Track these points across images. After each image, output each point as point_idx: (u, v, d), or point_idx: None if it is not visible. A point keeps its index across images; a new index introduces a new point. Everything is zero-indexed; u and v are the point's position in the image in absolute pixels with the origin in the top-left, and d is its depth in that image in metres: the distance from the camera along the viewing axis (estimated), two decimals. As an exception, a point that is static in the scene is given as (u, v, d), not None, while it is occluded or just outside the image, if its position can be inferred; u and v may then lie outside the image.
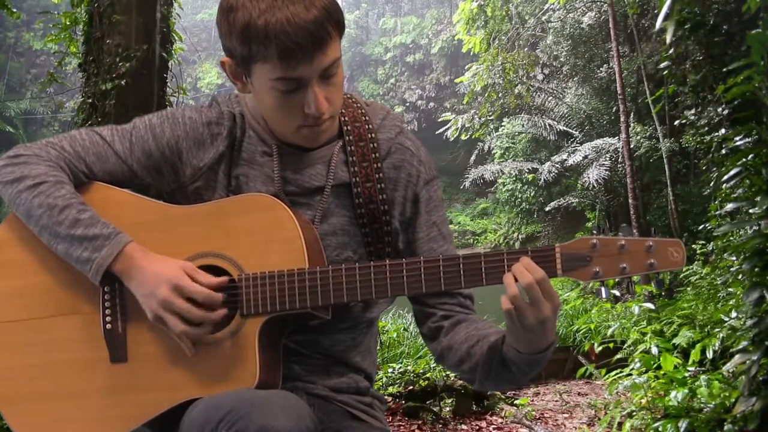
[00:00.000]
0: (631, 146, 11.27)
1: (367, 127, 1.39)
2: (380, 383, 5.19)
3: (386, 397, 4.90)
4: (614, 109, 14.58)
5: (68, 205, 1.28)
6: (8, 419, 1.32)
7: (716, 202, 5.91)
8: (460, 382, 4.97)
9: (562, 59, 16.95)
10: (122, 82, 4.12)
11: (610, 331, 5.71)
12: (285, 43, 1.17)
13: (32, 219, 1.30)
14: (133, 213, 1.33)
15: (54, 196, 1.29)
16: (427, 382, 5.11)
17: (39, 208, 1.29)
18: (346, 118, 1.39)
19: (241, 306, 1.25)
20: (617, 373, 4.51)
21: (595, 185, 14.64)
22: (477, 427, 4.88)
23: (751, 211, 3.37)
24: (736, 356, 3.21)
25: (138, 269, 1.25)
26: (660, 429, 3.64)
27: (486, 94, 13.10)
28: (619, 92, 10.86)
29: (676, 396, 3.79)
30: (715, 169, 5.94)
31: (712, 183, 5.71)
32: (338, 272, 1.24)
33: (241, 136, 1.37)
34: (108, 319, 1.30)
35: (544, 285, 1.17)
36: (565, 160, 16.01)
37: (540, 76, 19.06)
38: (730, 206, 3.74)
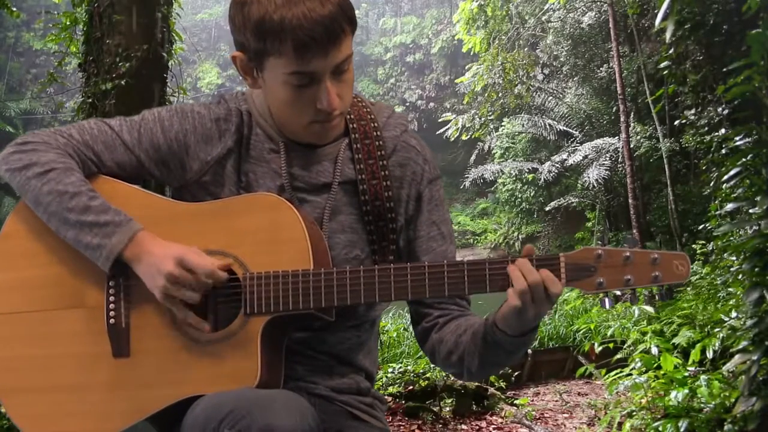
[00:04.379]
0: (631, 146, 11.28)
1: (372, 125, 1.40)
2: (380, 383, 5.19)
3: (386, 397, 4.90)
4: (614, 109, 14.58)
5: (78, 191, 1.28)
6: (9, 410, 1.33)
7: (716, 202, 5.91)
8: (461, 382, 4.97)
9: (562, 59, 16.95)
10: (122, 82, 4.12)
11: (610, 331, 5.72)
12: (301, 37, 1.19)
13: (41, 206, 1.30)
14: (139, 208, 1.33)
15: (64, 182, 1.29)
16: (427, 382, 5.11)
17: (48, 194, 1.29)
18: (352, 116, 1.40)
19: (244, 305, 1.26)
20: (617, 373, 4.51)
21: (595, 185, 14.64)
22: (477, 427, 4.88)
23: (751, 211, 3.37)
24: (736, 356, 3.22)
25: (147, 254, 1.26)
26: (660, 429, 3.64)
27: (486, 94, 13.11)
28: (619, 92, 10.88)
29: (676, 396, 3.79)
30: (715, 169, 5.95)
31: (712, 183, 5.71)
32: (342, 275, 1.24)
33: (249, 133, 1.37)
34: (112, 313, 1.30)
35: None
36: (565, 159, 16.01)
37: (540, 76, 19.02)
38: (730, 206, 3.74)
